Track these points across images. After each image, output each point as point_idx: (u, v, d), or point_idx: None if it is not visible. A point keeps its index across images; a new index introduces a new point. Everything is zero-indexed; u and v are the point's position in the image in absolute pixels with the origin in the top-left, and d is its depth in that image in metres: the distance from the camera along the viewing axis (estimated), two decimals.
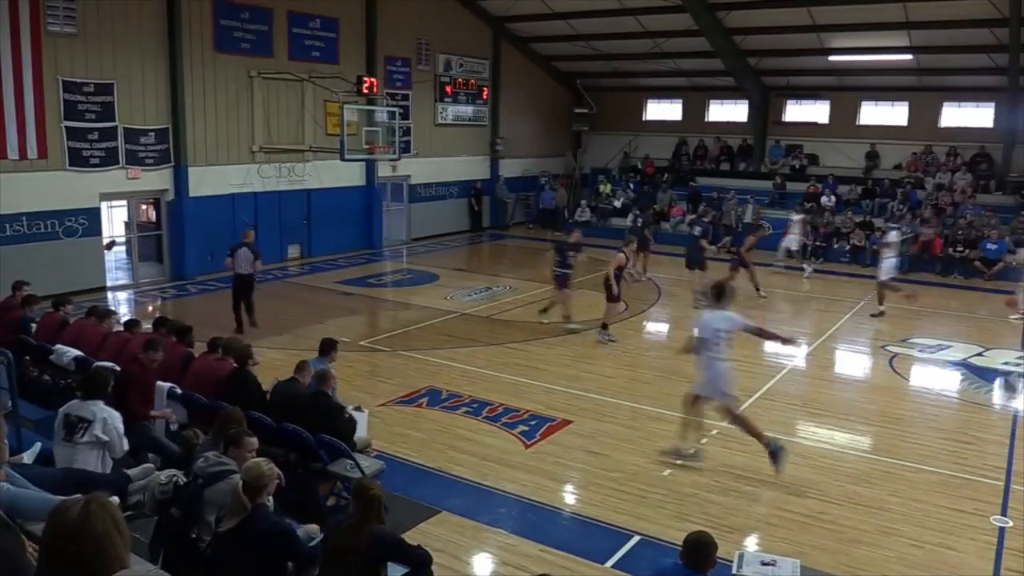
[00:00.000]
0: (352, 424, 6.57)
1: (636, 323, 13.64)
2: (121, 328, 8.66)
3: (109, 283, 14.78)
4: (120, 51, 14.17)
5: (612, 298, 11.85)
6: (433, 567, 4.34)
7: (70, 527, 2.24)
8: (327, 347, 7.51)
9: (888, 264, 13.74)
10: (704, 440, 8.19)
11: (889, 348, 11.89)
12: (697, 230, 14.96)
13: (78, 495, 2.36)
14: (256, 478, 4.02)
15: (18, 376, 6.56)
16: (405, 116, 19.61)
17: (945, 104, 21.36)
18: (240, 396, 6.42)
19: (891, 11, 17.29)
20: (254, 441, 4.74)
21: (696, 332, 7.58)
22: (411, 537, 5.94)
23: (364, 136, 16.64)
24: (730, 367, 7.45)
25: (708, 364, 7.29)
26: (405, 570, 4.36)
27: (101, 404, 5.45)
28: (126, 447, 5.55)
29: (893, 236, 14.42)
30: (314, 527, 4.59)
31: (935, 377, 10.90)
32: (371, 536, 4.03)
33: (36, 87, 13.01)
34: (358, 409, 7.11)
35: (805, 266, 18.10)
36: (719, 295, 7.54)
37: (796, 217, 18.76)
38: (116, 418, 5.46)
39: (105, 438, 5.34)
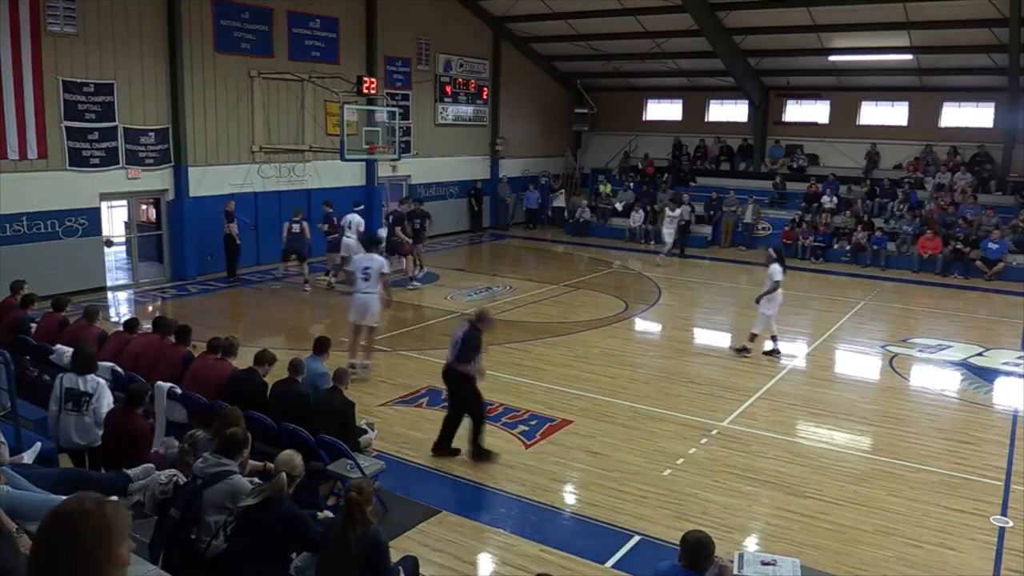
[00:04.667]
0: (359, 432, 6.73)
1: (636, 323, 13.66)
2: (121, 328, 8.65)
3: (109, 283, 14.75)
4: (120, 51, 14.15)
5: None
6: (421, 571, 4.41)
7: (58, 533, 2.16)
8: (322, 345, 7.53)
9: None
10: (704, 440, 8.21)
11: (889, 348, 11.90)
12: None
13: (77, 494, 2.33)
14: (292, 468, 4.41)
15: (17, 376, 6.56)
16: (405, 116, 19.62)
17: (945, 104, 21.35)
18: (241, 396, 6.42)
19: (891, 11, 17.27)
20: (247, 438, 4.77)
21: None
22: (411, 537, 6.01)
23: (364, 136, 16.62)
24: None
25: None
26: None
27: (93, 375, 6.29)
28: (110, 405, 6.25)
29: (358, 219, 15.12)
30: (329, 514, 4.85)
31: (935, 377, 10.88)
32: (362, 538, 4.05)
33: (36, 87, 12.99)
34: (371, 426, 7.11)
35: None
36: None
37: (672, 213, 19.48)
38: (105, 384, 6.34)
39: (96, 405, 6.17)
